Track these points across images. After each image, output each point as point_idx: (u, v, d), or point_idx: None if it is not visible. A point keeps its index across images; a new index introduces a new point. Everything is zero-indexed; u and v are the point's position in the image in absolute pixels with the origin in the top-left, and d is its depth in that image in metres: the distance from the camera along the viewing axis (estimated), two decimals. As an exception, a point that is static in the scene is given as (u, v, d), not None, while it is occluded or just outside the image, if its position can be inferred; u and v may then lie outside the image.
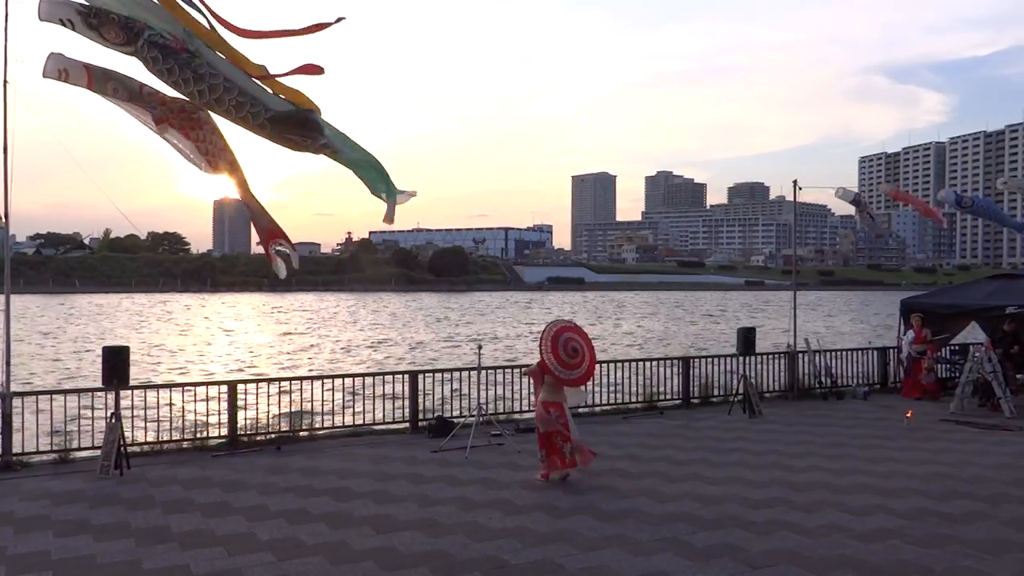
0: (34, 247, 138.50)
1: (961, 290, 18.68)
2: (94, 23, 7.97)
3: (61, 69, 7.98)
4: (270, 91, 8.24)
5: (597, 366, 14.36)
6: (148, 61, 8.06)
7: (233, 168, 8.62)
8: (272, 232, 8.83)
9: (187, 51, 8.01)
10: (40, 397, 10.87)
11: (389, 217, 8.56)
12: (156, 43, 8.00)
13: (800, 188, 16.84)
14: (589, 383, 10.99)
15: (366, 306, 79.70)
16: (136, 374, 23.92)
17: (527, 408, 13.28)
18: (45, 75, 7.97)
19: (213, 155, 8.48)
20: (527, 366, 10.51)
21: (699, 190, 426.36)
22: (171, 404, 11.59)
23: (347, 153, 8.51)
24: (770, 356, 16.17)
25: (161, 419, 11.24)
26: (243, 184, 8.72)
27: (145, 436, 11.01)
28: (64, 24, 8.01)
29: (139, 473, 9.69)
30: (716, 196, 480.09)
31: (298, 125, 8.30)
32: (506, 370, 13.55)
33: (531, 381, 10.20)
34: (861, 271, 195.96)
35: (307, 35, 8.36)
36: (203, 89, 8.06)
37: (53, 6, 7.97)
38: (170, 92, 8.27)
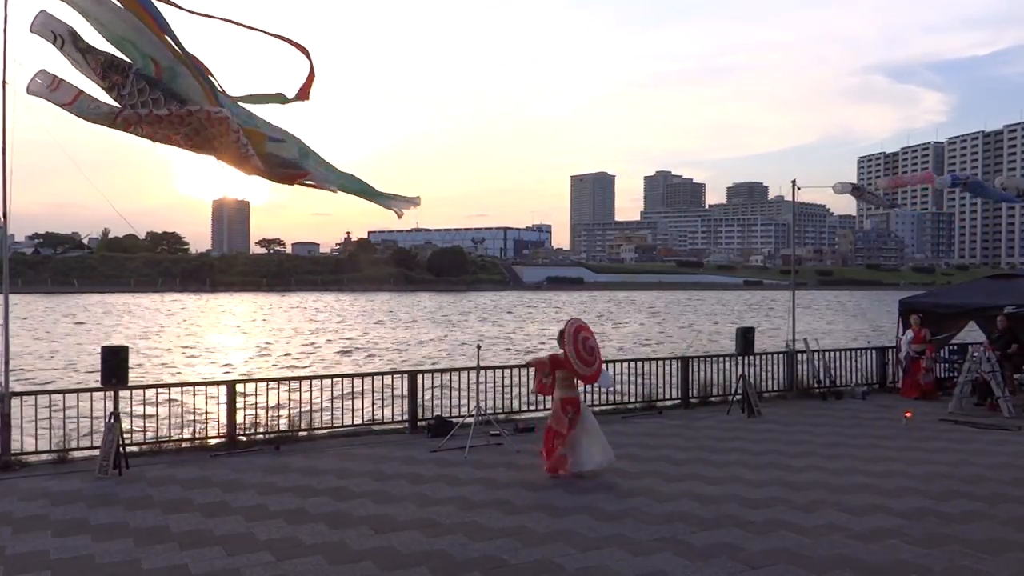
0: (32, 247, 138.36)
1: (959, 290, 18.71)
2: (83, 46, 8.04)
3: (44, 96, 8.06)
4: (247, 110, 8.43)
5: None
6: (135, 93, 8.17)
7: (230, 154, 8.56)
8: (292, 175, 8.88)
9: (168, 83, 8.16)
10: (39, 396, 10.85)
11: (399, 212, 9.01)
12: (145, 76, 8.13)
13: (799, 188, 16.88)
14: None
15: (365, 305, 79.69)
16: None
17: (526, 408, 13.30)
18: (28, 92, 8.03)
19: (204, 147, 8.48)
20: (538, 358, 10.53)
21: (698, 190, 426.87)
22: (170, 404, 11.59)
23: (335, 180, 8.80)
24: (769, 356, 16.18)
25: (160, 419, 11.23)
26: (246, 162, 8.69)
27: (144, 436, 11.00)
28: (54, 41, 8.05)
29: (138, 473, 9.69)
30: (715, 196, 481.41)
31: (284, 165, 8.60)
32: (505, 370, 13.54)
33: (535, 372, 10.32)
34: (860, 271, 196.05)
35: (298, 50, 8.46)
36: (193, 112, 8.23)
37: (48, 21, 7.99)
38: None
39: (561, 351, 9.69)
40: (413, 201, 9.27)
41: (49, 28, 8.02)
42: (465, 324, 56.06)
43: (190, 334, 45.81)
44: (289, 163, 8.68)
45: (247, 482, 9.33)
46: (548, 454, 9.70)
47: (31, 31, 7.98)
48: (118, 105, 8.15)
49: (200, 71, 8.32)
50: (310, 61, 8.27)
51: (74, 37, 8.07)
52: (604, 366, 10.36)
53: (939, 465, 10.15)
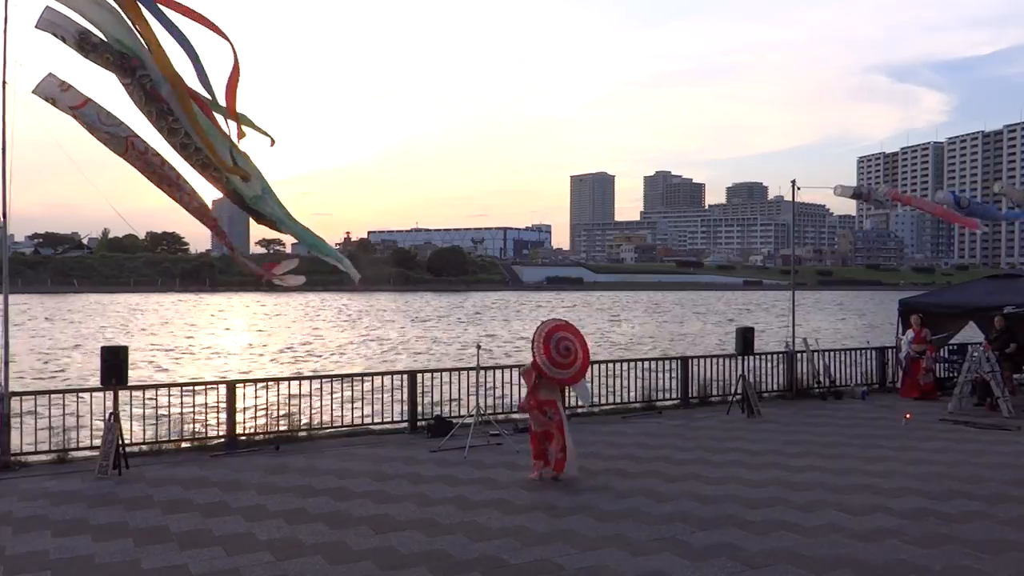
0: (32, 247, 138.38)
1: (959, 290, 18.71)
2: (87, 48, 8.09)
3: (48, 97, 8.09)
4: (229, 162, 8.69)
5: (597, 366, 14.43)
6: (137, 99, 8.28)
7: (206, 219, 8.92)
8: (266, 266, 9.42)
9: (166, 102, 8.29)
10: (39, 397, 10.86)
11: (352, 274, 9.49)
12: (144, 86, 8.21)
13: (799, 188, 16.88)
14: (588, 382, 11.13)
15: (364, 305, 79.72)
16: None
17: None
18: (35, 92, 8.06)
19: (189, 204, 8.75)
20: (523, 365, 10.56)
21: (697, 190, 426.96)
22: (170, 404, 11.58)
23: (289, 226, 9.20)
24: (769, 356, 16.18)
25: (160, 419, 11.22)
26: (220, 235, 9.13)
27: (144, 436, 11.00)
28: (60, 38, 8.10)
29: (137, 473, 9.69)
30: (715, 196, 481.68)
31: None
32: (505, 370, 13.54)
33: (523, 381, 10.19)
34: (859, 271, 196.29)
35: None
36: (174, 143, 8.45)
37: (53, 20, 8.01)
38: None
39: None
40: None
41: (53, 26, 8.03)
42: (464, 324, 56.07)
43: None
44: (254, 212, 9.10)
45: (247, 482, 9.33)
46: (537, 456, 9.60)
47: (36, 27, 7.98)
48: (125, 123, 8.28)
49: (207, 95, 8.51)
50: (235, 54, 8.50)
51: (80, 38, 8.08)
52: (585, 377, 10.25)
53: (939, 465, 10.16)
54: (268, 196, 9.06)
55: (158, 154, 8.54)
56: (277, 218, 9.16)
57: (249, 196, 8.89)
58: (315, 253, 9.42)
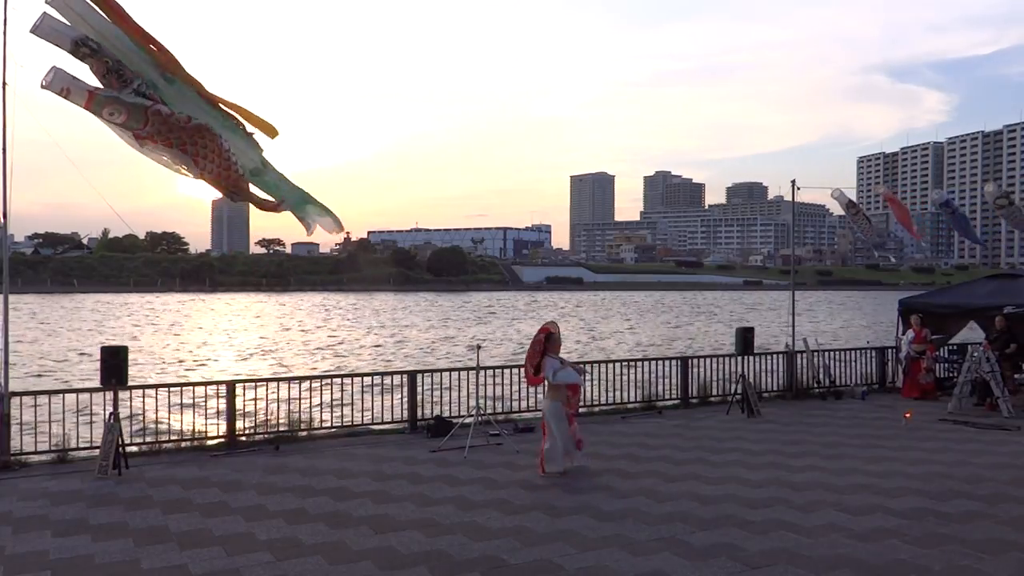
0: (32, 247, 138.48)
1: (959, 290, 18.70)
2: (85, 51, 8.07)
3: (65, 87, 8.01)
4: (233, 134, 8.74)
5: (597, 366, 14.43)
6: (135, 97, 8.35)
7: (224, 175, 8.83)
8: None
9: (164, 104, 8.32)
10: (39, 396, 10.85)
11: (335, 228, 9.64)
12: (144, 94, 8.22)
13: (798, 188, 16.88)
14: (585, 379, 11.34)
15: (364, 305, 79.75)
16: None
17: (525, 408, 13.32)
18: (46, 87, 7.99)
19: (201, 159, 8.65)
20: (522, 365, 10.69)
21: (697, 190, 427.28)
22: (169, 404, 11.59)
23: (290, 199, 9.33)
24: (768, 356, 16.18)
25: (160, 419, 11.22)
26: (234, 187, 9.01)
27: (144, 436, 11.00)
28: (58, 44, 8.09)
29: (137, 473, 9.69)
30: (714, 196, 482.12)
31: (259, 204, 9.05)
32: (504, 370, 13.55)
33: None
34: (859, 271, 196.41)
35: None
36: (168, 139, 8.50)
37: (50, 29, 7.97)
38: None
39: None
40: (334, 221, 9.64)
41: (51, 34, 8.00)
42: (465, 324, 56.06)
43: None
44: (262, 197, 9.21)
45: (246, 482, 9.33)
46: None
47: (30, 32, 7.95)
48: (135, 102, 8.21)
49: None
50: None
51: (75, 45, 8.05)
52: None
53: (938, 465, 10.16)
54: (268, 170, 9.12)
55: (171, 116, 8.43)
56: (272, 184, 9.20)
57: (249, 169, 8.89)
58: (299, 214, 9.42)
